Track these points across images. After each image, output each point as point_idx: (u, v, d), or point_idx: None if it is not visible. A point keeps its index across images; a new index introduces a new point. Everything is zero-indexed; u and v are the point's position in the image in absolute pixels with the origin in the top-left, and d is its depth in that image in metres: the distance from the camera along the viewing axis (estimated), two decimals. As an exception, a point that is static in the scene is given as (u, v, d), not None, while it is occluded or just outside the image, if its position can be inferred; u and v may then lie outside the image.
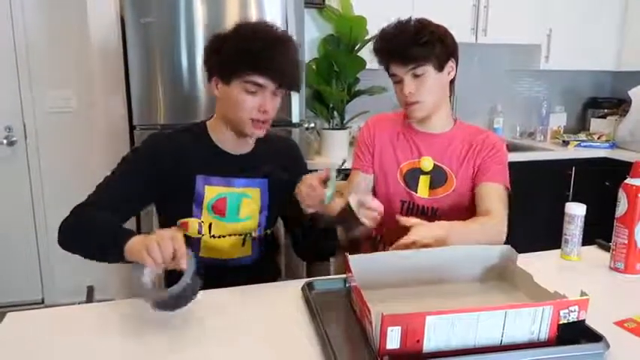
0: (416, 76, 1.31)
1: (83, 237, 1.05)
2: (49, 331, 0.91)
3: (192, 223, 1.22)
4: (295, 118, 2.32)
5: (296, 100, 2.31)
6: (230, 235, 1.24)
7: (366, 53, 2.56)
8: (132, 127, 2.21)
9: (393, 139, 1.46)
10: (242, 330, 0.91)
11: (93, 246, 1.03)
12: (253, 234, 1.26)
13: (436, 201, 1.40)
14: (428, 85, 1.32)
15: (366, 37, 2.56)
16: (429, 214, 1.40)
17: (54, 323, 0.95)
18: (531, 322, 0.79)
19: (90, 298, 2.27)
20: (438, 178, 1.40)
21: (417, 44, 1.29)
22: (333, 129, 2.71)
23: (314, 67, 2.66)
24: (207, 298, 0.95)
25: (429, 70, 1.31)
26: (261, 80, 1.12)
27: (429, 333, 0.76)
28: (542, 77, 3.40)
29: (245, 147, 1.26)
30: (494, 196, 1.33)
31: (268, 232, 1.31)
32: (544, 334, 0.80)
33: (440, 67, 1.32)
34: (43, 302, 2.76)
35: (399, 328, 0.75)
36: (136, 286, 0.91)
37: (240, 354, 0.83)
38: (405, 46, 1.29)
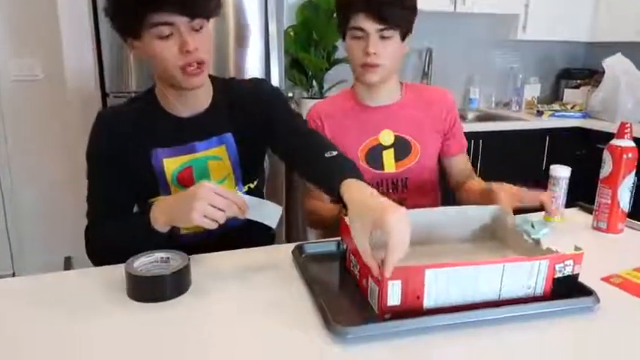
0: (383, 37, 1.25)
1: (116, 252, 0.95)
2: (27, 299, 0.87)
3: None
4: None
5: (275, 69, 2.26)
6: None
7: (346, 20, 2.52)
8: (104, 95, 2.12)
9: (343, 123, 1.38)
10: (234, 295, 0.89)
11: (131, 249, 0.93)
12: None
13: (405, 172, 1.38)
14: (390, 50, 1.27)
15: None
16: (400, 186, 1.39)
17: (33, 291, 0.91)
18: (528, 276, 0.80)
19: (68, 269, 2.22)
20: (401, 149, 1.37)
21: (402, 6, 1.25)
22: (311, 98, 2.68)
23: (292, 34, 2.61)
24: (194, 263, 0.93)
25: (396, 36, 1.26)
26: (168, 18, 0.97)
27: (429, 288, 0.76)
28: (517, 48, 3.42)
29: (198, 105, 1.13)
30: (467, 163, 1.49)
31: (252, 185, 1.22)
32: (540, 289, 0.81)
33: (403, 37, 1.29)
34: (14, 277, 2.68)
35: (400, 282, 0.74)
36: None
37: (236, 319, 0.82)
38: (388, 4, 1.22)
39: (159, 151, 1.11)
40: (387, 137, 1.37)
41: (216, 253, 1.05)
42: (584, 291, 0.83)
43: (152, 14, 0.96)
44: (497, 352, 0.72)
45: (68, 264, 2.20)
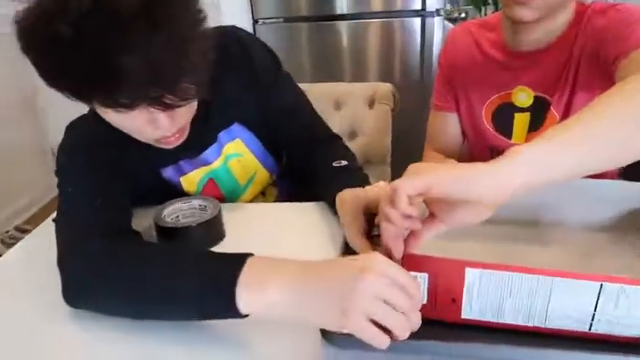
0: None
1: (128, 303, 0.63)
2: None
3: None
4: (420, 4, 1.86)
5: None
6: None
7: None
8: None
9: (477, 61, 1.04)
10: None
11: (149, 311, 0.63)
12: (271, 181, 1.01)
13: None
14: None
15: None
16: None
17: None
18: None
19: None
20: (538, 114, 0.98)
21: None
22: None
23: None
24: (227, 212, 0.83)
25: None
26: (118, 105, 0.64)
27: (469, 293, 0.52)
28: None
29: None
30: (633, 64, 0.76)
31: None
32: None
33: None
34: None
35: (426, 275, 0.53)
36: None
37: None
38: None
39: (169, 169, 0.89)
40: (522, 97, 0.99)
41: (251, 204, 0.96)
42: None
43: (99, 103, 0.66)
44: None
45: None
